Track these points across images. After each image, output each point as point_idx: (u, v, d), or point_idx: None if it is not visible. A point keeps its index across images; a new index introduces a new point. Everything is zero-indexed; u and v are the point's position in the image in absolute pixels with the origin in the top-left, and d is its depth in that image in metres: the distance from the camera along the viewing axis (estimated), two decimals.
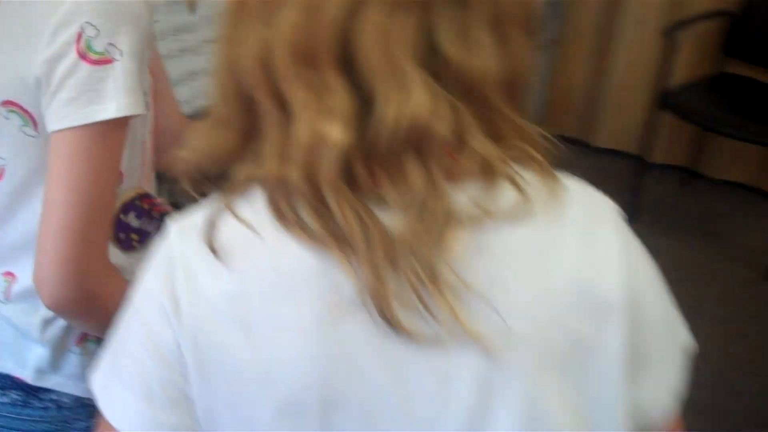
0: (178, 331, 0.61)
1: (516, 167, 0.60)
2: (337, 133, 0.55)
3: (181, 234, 0.63)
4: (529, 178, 0.60)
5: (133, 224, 1.00)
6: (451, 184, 0.58)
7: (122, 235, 0.98)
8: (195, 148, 0.63)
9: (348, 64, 0.56)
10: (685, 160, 3.22)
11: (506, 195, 0.60)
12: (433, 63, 0.57)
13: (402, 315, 0.57)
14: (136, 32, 0.85)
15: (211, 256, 0.60)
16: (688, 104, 2.85)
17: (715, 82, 3.03)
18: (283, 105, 0.58)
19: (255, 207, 0.61)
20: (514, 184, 0.60)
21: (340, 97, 0.56)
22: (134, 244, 1.00)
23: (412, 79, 0.55)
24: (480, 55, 0.57)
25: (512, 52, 0.59)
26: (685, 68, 3.03)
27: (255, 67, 0.58)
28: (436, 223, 0.57)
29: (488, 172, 0.59)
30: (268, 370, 0.60)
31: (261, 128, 0.60)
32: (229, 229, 0.61)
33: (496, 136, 0.60)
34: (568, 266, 0.60)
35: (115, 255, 0.95)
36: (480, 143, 0.58)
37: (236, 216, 0.61)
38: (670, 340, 0.67)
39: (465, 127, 0.58)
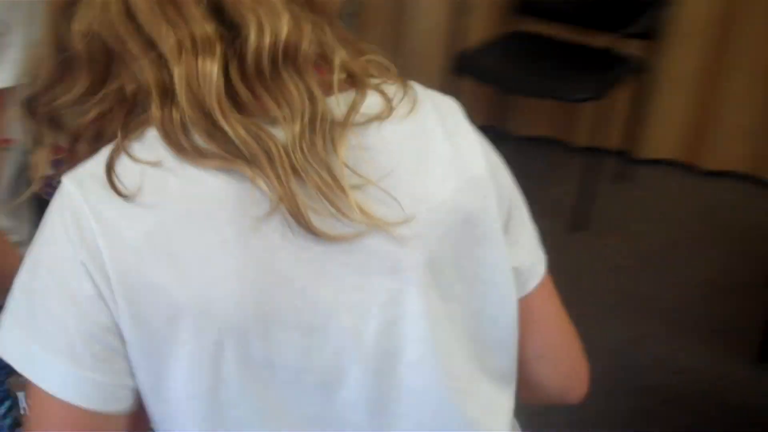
0: (103, 284, 0.61)
1: (376, 77, 0.70)
2: (211, 65, 0.60)
3: (79, 185, 0.63)
4: (388, 85, 0.70)
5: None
6: (326, 96, 0.65)
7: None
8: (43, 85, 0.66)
9: (214, 3, 0.62)
10: (489, 120, 3.28)
11: (374, 101, 0.68)
12: None
13: (315, 219, 0.62)
14: None
15: (119, 199, 0.61)
16: (483, 66, 2.88)
17: (509, 41, 3.08)
18: (153, 46, 0.61)
19: (149, 145, 0.63)
20: (379, 91, 0.69)
21: (210, 28, 0.61)
22: None
23: (278, 5, 0.62)
24: None
25: None
26: (481, 30, 3.06)
27: (119, 13, 0.62)
28: (323, 129, 0.63)
29: (356, 84, 0.67)
30: (203, 302, 0.61)
31: (117, 71, 0.64)
32: (130, 170, 0.62)
33: (353, 52, 0.68)
34: (441, 151, 0.69)
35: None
36: (344, 59, 0.66)
37: (133, 157, 0.62)
38: (522, 207, 0.78)
39: (329, 46, 0.66)
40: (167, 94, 0.61)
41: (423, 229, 0.67)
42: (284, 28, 0.62)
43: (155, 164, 0.62)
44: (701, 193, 3.09)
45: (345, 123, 0.65)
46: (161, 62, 0.61)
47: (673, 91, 3.09)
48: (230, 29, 0.62)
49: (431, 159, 0.69)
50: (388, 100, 0.69)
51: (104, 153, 0.64)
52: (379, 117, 0.68)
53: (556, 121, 3.31)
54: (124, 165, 0.62)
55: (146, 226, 0.61)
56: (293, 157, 0.61)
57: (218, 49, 0.61)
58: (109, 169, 0.62)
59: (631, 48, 2.92)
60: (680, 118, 3.14)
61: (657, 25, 2.85)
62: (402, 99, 0.70)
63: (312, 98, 0.63)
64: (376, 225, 0.64)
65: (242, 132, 0.60)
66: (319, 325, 0.65)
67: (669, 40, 2.99)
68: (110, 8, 0.62)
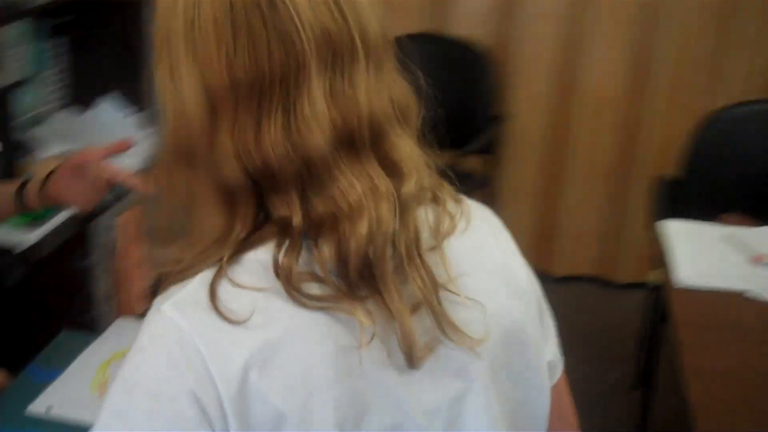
0: (212, 407, 0.63)
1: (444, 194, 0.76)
2: (387, 213, 0.66)
3: (182, 313, 0.65)
4: (447, 200, 0.76)
5: None
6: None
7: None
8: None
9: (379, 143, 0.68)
10: None
11: (439, 216, 0.74)
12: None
13: (418, 349, 0.67)
14: None
15: (224, 323, 0.64)
16: None
17: None
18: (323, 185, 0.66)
19: (251, 271, 0.66)
20: (444, 207, 0.75)
21: (376, 173, 0.67)
22: None
23: (421, 158, 0.72)
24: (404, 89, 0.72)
25: (385, 85, 0.69)
26: None
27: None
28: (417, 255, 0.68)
29: (437, 202, 0.75)
30: (305, 411, 0.65)
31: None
32: (233, 295, 0.65)
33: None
34: (495, 262, 0.78)
35: None
36: (432, 181, 0.74)
37: (237, 283, 0.65)
38: (545, 303, 0.86)
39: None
40: (295, 235, 0.65)
41: (490, 341, 0.73)
42: (425, 179, 0.72)
43: (261, 290, 0.65)
44: (554, 299, 3.08)
45: (436, 246, 0.72)
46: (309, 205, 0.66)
47: (516, 201, 3.14)
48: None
49: (488, 269, 0.77)
50: (451, 217, 0.75)
51: (202, 277, 0.66)
52: (448, 233, 0.74)
53: None
54: (227, 290, 0.65)
55: (255, 344, 0.64)
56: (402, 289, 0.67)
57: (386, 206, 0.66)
58: (213, 295, 0.64)
59: (471, 164, 2.96)
60: (526, 227, 3.18)
61: (494, 140, 2.91)
62: (460, 215, 0.76)
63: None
64: (467, 345, 0.70)
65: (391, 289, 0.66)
66: (399, 423, 0.69)
67: (507, 153, 3.06)
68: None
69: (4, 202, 1.30)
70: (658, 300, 2.23)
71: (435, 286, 0.68)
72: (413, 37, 3.03)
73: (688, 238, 1.80)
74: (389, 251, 0.66)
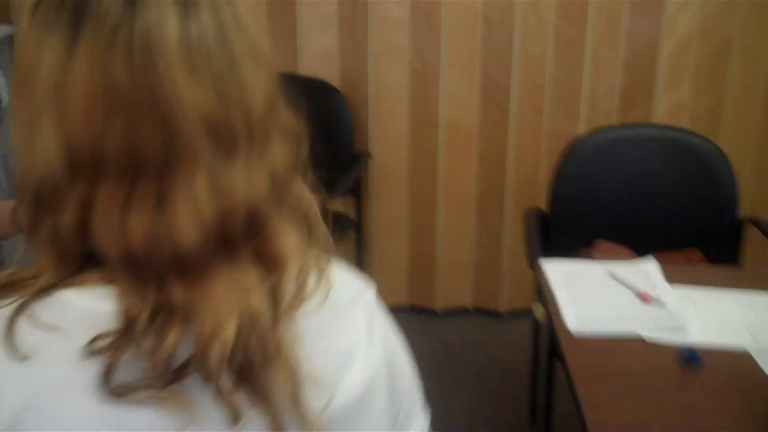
0: None
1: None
2: (257, 302, 0.65)
3: None
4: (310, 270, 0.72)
5: None
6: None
7: None
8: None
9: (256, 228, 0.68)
10: None
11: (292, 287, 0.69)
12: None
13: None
14: None
15: (9, 358, 0.60)
16: None
17: None
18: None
19: (56, 309, 0.63)
20: (307, 279, 0.70)
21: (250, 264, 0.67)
22: None
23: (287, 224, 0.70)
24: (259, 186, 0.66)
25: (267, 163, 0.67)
26: None
27: None
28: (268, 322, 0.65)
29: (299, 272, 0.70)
30: None
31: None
32: (27, 331, 0.62)
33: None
34: (345, 341, 0.73)
35: None
36: (287, 235, 0.69)
37: (37, 320, 0.62)
38: (416, 396, 0.83)
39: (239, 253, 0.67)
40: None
41: (327, 415, 0.70)
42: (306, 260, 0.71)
43: (55, 330, 0.61)
44: (437, 334, 3.04)
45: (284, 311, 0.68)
46: None
47: (389, 239, 3.06)
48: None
49: (333, 349, 0.72)
50: (310, 290, 0.71)
51: (7, 308, 0.63)
52: (296, 305, 0.69)
53: None
54: (25, 325, 0.62)
55: (33, 388, 0.60)
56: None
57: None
58: (9, 327, 0.61)
59: (339, 205, 2.86)
60: (402, 263, 3.10)
61: (359, 179, 2.81)
62: (318, 286, 0.72)
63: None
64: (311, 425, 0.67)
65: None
66: None
67: (374, 190, 2.98)
68: None
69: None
70: (542, 334, 2.18)
71: (296, 385, 0.66)
72: None
73: (568, 279, 1.75)
74: (258, 350, 0.63)
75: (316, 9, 2.81)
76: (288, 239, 0.68)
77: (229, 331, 0.61)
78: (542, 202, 2.96)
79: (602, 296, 1.69)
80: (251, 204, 0.64)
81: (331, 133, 2.78)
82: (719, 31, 2.84)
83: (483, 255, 3.09)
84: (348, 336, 0.74)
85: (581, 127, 2.93)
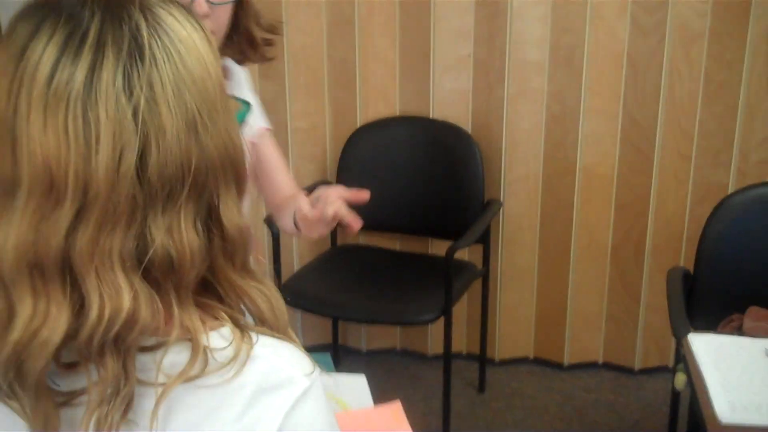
0: None
1: (214, 335, 0.72)
2: (47, 333, 0.66)
3: None
4: (222, 344, 0.71)
5: None
6: (157, 349, 0.70)
7: None
8: None
9: (70, 274, 0.67)
10: (335, 337, 2.98)
11: (197, 361, 0.70)
12: (144, 261, 0.68)
13: None
14: None
15: None
16: (311, 295, 2.52)
17: (337, 257, 2.82)
18: (8, 301, 0.68)
19: None
20: (203, 351, 0.70)
21: (57, 301, 0.67)
22: None
23: (118, 280, 0.67)
24: (185, 241, 0.69)
25: (218, 231, 0.72)
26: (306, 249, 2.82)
27: None
28: (120, 405, 0.68)
29: (191, 340, 0.71)
30: None
31: None
32: None
33: (206, 304, 0.74)
34: (229, 426, 0.71)
35: None
36: (187, 316, 0.71)
37: None
38: None
39: (171, 304, 0.70)
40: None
41: None
42: (116, 303, 0.67)
43: None
44: (563, 391, 2.88)
45: (157, 387, 0.69)
46: (9, 317, 0.68)
47: (518, 289, 2.93)
48: (77, 301, 0.68)
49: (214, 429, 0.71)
50: (205, 365, 0.70)
51: None
52: (191, 379, 0.70)
53: (405, 331, 3.06)
54: None
55: None
56: None
57: (59, 324, 0.67)
58: None
59: (466, 254, 2.77)
60: (529, 314, 2.97)
61: (489, 226, 2.71)
62: (224, 363, 0.71)
63: (125, 373, 0.68)
64: None
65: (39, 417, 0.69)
66: None
67: (503, 237, 2.86)
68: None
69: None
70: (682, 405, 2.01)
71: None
72: (398, 120, 2.95)
73: (719, 357, 1.57)
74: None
75: (452, 50, 2.74)
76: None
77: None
78: (686, 256, 2.78)
79: (760, 380, 1.52)
80: (65, 255, 0.67)
81: (461, 179, 2.69)
82: None
83: (617, 308, 2.91)
84: (231, 426, 0.71)
85: (732, 178, 2.71)
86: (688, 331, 2.00)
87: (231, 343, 0.71)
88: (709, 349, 1.62)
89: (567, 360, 2.99)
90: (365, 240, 2.88)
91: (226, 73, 1.47)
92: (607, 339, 2.96)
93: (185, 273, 0.70)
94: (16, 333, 0.66)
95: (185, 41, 0.70)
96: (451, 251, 2.41)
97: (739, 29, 2.59)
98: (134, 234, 0.68)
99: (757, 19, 2.57)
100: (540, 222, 2.86)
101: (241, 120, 0.83)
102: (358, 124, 2.78)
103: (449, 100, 2.78)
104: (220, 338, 0.72)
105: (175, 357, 0.70)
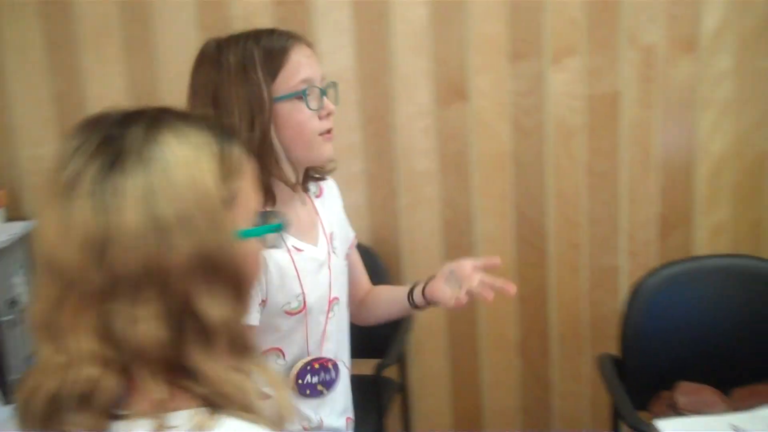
0: None
1: (180, 414, 0.77)
2: (47, 382, 0.78)
3: None
4: (185, 417, 0.77)
5: (313, 381, 1.47)
6: (125, 419, 0.77)
7: (308, 391, 1.47)
8: None
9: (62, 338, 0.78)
10: None
11: None
12: (114, 339, 0.76)
13: None
14: None
15: None
16: None
17: None
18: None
19: None
20: (159, 428, 0.76)
21: (53, 359, 0.78)
22: (322, 391, 1.50)
23: (90, 348, 0.76)
24: (148, 331, 0.76)
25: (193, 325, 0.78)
26: None
27: None
28: None
29: (154, 416, 0.77)
30: None
31: None
32: None
33: (181, 385, 0.78)
34: None
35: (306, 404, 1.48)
36: (155, 393, 0.77)
37: None
38: None
39: (141, 380, 0.77)
40: None
41: None
42: (84, 375, 0.77)
43: None
44: None
45: None
46: None
47: (432, 395, 2.90)
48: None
49: None
50: None
51: None
52: None
53: None
54: None
55: None
56: None
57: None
58: None
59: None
60: (445, 419, 2.95)
61: (404, 347, 2.67)
62: None
63: None
64: None
65: None
66: None
67: (412, 349, 2.83)
68: None
69: (399, 302, 1.64)
70: None
71: None
72: None
73: None
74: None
75: (345, 167, 2.70)
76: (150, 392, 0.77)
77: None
78: (592, 341, 2.85)
79: None
80: (56, 323, 0.78)
81: None
82: (753, 148, 2.78)
83: (531, 400, 2.94)
84: None
85: (622, 259, 2.83)
86: (635, 416, 2.04)
87: (192, 423, 0.77)
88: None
89: None
90: None
91: (320, 192, 1.60)
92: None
93: (148, 358, 0.77)
94: (29, 380, 0.79)
95: (173, 158, 0.78)
96: (379, 369, 2.36)
97: (611, 120, 2.71)
98: (103, 316, 0.76)
99: (624, 112, 2.70)
100: (447, 326, 2.86)
101: (269, 231, 0.89)
102: None
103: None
104: (183, 414, 0.78)
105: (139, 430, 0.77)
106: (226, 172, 0.81)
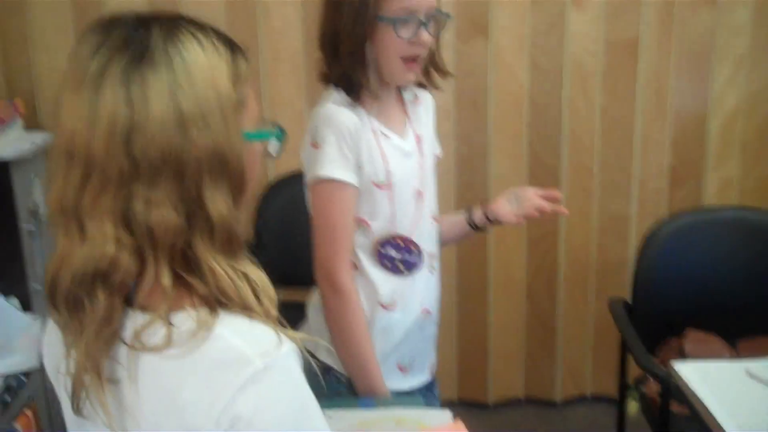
0: None
1: (182, 312, 0.83)
2: (69, 261, 0.84)
3: None
4: (188, 316, 0.83)
5: (393, 254, 1.56)
6: (133, 309, 0.85)
7: (387, 263, 1.56)
8: None
9: (82, 223, 0.84)
10: None
11: (159, 330, 0.82)
12: (131, 222, 0.83)
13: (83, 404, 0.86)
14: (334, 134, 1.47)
15: None
16: None
17: None
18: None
19: None
20: (167, 325, 0.82)
21: (74, 241, 0.84)
22: (401, 269, 1.57)
23: (107, 231, 0.82)
24: (163, 216, 0.82)
25: (201, 215, 0.84)
26: None
27: None
28: (106, 344, 0.84)
29: (162, 307, 0.83)
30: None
31: None
32: None
33: (186, 281, 0.84)
34: (186, 395, 0.81)
35: (386, 280, 1.57)
36: (162, 281, 0.83)
37: None
38: None
39: (149, 269, 0.83)
40: None
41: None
42: (100, 253, 0.83)
43: None
44: (490, 429, 2.86)
45: (127, 344, 0.84)
46: None
47: (440, 336, 2.89)
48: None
49: (174, 398, 0.81)
50: (169, 336, 0.82)
51: None
52: (153, 349, 0.82)
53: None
54: None
55: None
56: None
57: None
58: None
59: None
60: (451, 357, 2.94)
61: None
62: (186, 335, 0.81)
63: (109, 315, 0.84)
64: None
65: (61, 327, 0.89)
66: None
67: None
68: None
69: (458, 225, 1.77)
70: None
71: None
72: None
73: (714, 385, 1.60)
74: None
75: None
76: (161, 282, 0.83)
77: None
78: (597, 286, 2.87)
79: (757, 401, 1.55)
80: (77, 208, 0.83)
81: None
82: (765, 105, 2.81)
83: (535, 344, 2.95)
84: (190, 395, 0.80)
85: (632, 208, 2.84)
86: (650, 359, 2.05)
87: (195, 319, 0.81)
88: (700, 377, 1.65)
89: (491, 399, 2.99)
90: (285, 296, 2.75)
91: (416, 100, 1.66)
92: (527, 375, 2.99)
93: (160, 242, 0.82)
94: (52, 263, 0.85)
95: (194, 58, 0.84)
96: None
97: (628, 66, 2.73)
98: (122, 200, 0.82)
99: (641, 58, 2.72)
100: (457, 264, 2.86)
101: (272, 138, 0.97)
102: (270, 178, 2.67)
103: None
104: (186, 314, 0.83)
105: (148, 325, 0.83)
106: (236, 77, 0.87)
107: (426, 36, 1.48)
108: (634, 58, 2.72)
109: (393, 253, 1.56)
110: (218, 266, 0.84)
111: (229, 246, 0.86)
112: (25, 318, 2.29)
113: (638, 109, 2.76)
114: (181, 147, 0.82)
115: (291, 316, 2.59)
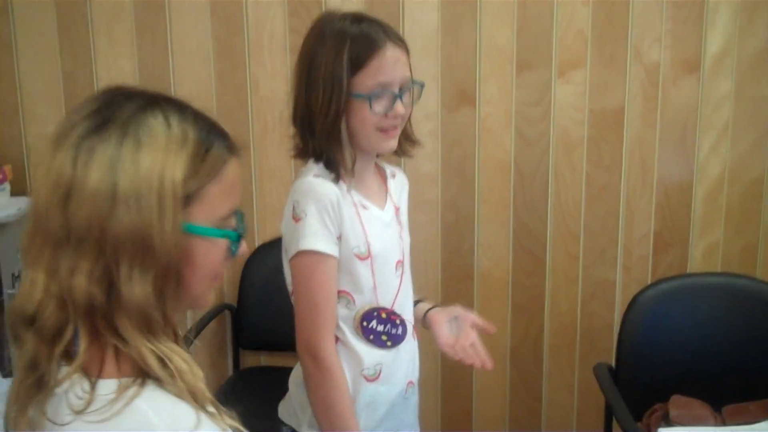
0: None
1: (113, 375, 0.86)
2: (20, 303, 0.88)
3: None
4: (115, 384, 0.85)
5: (376, 328, 1.56)
6: (68, 366, 0.88)
7: (371, 336, 1.56)
8: None
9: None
10: None
11: (82, 393, 0.85)
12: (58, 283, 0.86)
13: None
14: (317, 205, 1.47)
15: None
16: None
17: (244, 379, 2.67)
18: None
19: None
20: (91, 389, 0.84)
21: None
22: (387, 342, 1.59)
23: (39, 279, 0.86)
24: (81, 284, 0.84)
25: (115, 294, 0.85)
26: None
27: None
28: (31, 390, 0.88)
29: (82, 367, 0.86)
30: None
31: None
32: None
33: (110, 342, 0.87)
34: None
35: (370, 352, 1.57)
36: (80, 340, 0.86)
37: None
38: None
39: (71, 325, 0.86)
40: None
41: None
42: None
43: None
44: None
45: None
46: None
47: (424, 400, 2.89)
48: None
49: None
50: (88, 401, 0.83)
51: None
52: (74, 410, 0.83)
53: None
54: None
55: None
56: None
57: None
58: None
59: None
60: (434, 423, 2.93)
61: None
62: (103, 406, 0.82)
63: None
64: None
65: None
66: None
67: None
68: None
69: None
70: None
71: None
72: None
73: None
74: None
75: None
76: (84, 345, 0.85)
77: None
78: (580, 352, 2.87)
79: None
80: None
81: None
82: (748, 172, 2.84)
83: (520, 409, 2.95)
84: None
85: (617, 274, 2.86)
86: (635, 424, 2.05)
87: (116, 388, 0.83)
88: None
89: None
90: (268, 361, 2.75)
91: (393, 177, 1.71)
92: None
93: (78, 307, 0.84)
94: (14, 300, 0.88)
95: (149, 141, 0.86)
96: None
97: (614, 135, 2.75)
98: (55, 258, 0.85)
99: (626, 128, 2.75)
100: None
101: (225, 238, 0.95)
102: (257, 244, 2.68)
103: None
104: (114, 382, 0.85)
105: (63, 380, 0.86)
106: (197, 170, 0.88)
107: (401, 107, 1.50)
108: (619, 127, 2.75)
109: (376, 326, 1.56)
110: (139, 343, 0.85)
111: (148, 328, 0.86)
112: (5, 383, 2.28)
113: (623, 178, 2.79)
114: (106, 220, 0.83)
115: (273, 380, 2.59)
